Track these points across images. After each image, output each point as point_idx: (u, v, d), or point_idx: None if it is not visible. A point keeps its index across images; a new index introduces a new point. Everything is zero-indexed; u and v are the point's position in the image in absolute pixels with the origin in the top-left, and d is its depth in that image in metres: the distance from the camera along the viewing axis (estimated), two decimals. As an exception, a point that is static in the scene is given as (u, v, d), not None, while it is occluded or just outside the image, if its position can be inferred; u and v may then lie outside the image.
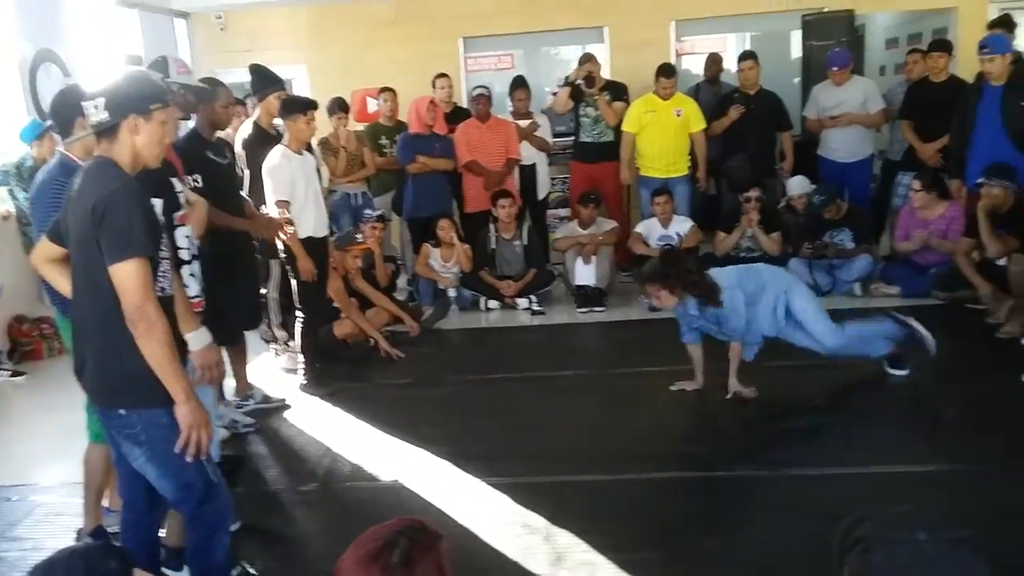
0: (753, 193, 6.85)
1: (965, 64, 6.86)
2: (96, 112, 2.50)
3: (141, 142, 2.53)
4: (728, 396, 4.58)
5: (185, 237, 3.25)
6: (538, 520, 3.50)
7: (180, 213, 3.23)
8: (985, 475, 3.67)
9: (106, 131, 2.51)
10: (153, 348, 2.44)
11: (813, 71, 8.03)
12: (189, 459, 2.53)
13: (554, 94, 7.80)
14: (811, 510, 3.45)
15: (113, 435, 2.63)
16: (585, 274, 6.86)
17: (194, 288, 3.29)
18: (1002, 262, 5.51)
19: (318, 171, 5.68)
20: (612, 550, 3.22)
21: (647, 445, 4.21)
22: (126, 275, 2.39)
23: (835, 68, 7.16)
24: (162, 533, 3.03)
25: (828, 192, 6.69)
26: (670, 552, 3.25)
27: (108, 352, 2.51)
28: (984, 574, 1.34)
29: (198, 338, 2.92)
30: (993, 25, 6.27)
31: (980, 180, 5.58)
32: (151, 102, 2.54)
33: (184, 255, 3.23)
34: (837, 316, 6.10)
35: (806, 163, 7.44)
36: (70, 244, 2.55)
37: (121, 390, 2.53)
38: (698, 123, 7.22)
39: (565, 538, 3.35)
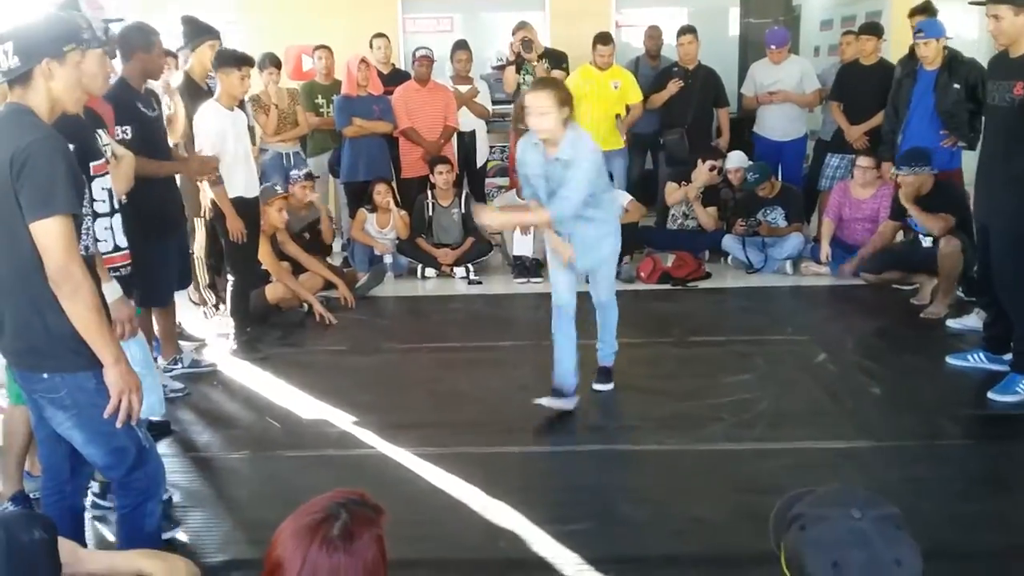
0: (717, 162, 6.95)
1: (899, 48, 7.00)
2: (6, 58, 2.34)
3: (58, 88, 2.38)
4: None
5: (103, 189, 3.10)
6: (473, 491, 3.49)
7: (97, 163, 3.07)
8: (905, 452, 3.79)
9: (19, 78, 2.36)
10: (79, 310, 2.33)
11: (750, 49, 8.11)
12: (119, 425, 2.44)
13: (500, 69, 7.72)
14: (738, 484, 3.54)
15: (35, 399, 2.52)
16: (523, 244, 6.85)
17: (112, 243, 3.19)
18: (927, 243, 5.68)
19: (251, 130, 5.52)
20: (546, 522, 3.24)
21: (579, 417, 4.24)
22: (49, 233, 2.27)
23: (773, 46, 7.24)
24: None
25: (763, 170, 6.81)
26: (602, 523, 3.28)
27: (30, 313, 2.39)
28: (913, 550, 1.37)
29: (108, 292, 2.81)
30: (914, 13, 6.38)
31: (893, 171, 5.78)
32: (65, 43, 2.38)
33: (101, 207, 3.09)
34: (769, 293, 6.35)
35: (742, 140, 7.55)
36: None
37: (44, 353, 2.41)
38: (635, 95, 7.23)
39: (500, 509, 3.35)
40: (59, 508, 2.69)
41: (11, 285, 2.41)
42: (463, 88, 7.41)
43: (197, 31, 5.25)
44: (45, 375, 2.42)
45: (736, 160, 7.16)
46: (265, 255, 5.76)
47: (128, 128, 4.07)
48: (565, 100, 3.82)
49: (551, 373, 4.23)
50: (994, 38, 4.26)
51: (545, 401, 4.19)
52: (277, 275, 5.88)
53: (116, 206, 3.22)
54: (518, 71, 7.31)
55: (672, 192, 7.12)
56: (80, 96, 2.51)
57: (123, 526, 2.68)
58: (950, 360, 4.71)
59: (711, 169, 6.95)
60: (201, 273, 5.71)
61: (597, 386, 4.50)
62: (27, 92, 2.37)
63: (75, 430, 2.47)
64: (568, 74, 7.30)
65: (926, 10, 6.30)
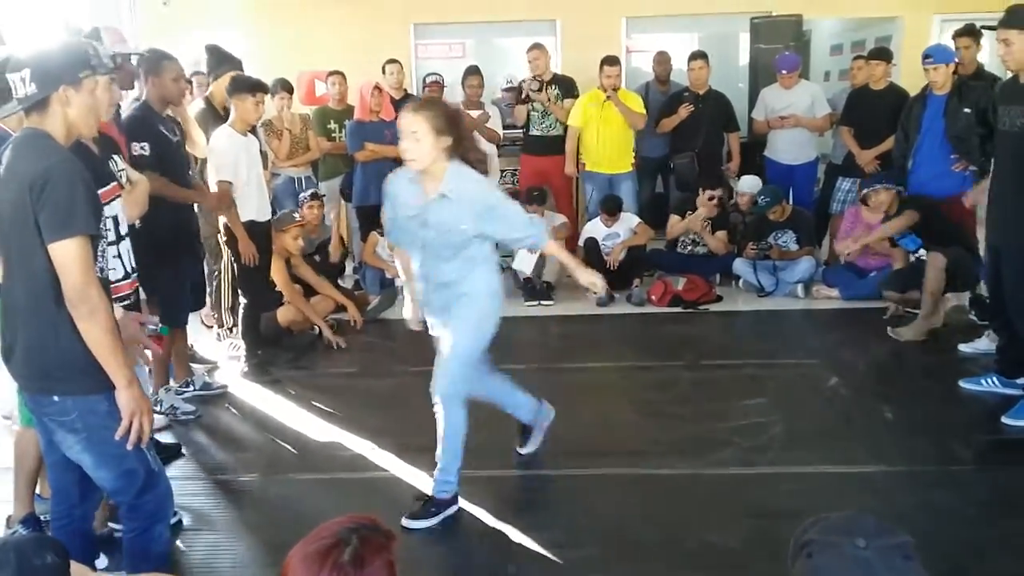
0: (716, 192, 6.95)
1: (909, 73, 7.01)
2: (23, 85, 2.38)
3: (74, 113, 2.41)
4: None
5: (107, 217, 3.04)
6: (482, 515, 3.49)
7: (106, 188, 3.06)
8: (918, 477, 3.76)
9: (36, 104, 2.40)
10: (96, 332, 2.34)
11: (760, 74, 8.14)
12: (130, 447, 2.45)
13: (509, 91, 7.81)
14: (751, 509, 3.51)
15: (44, 422, 2.53)
16: (525, 261, 6.79)
17: (120, 270, 3.17)
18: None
19: (264, 155, 5.56)
20: (554, 546, 3.23)
21: (589, 441, 4.23)
22: (68, 254, 2.29)
23: (784, 71, 7.27)
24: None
25: (773, 193, 6.81)
26: (611, 548, 3.26)
27: (42, 335, 2.41)
28: (918, 580, 1.35)
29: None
30: (960, 34, 6.39)
31: (864, 192, 6.04)
32: (80, 70, 2.42)
33: (108, 235, 3.07)
34: (780, 316, 6.32)
35: (752, 165, 7.55)
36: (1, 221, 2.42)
37: (55, 376, 2.42)
38: (639, 109, 7.26)
39: (508, 533, 3.34)
40: (68, 532, 2.69)
41: (25, 308, 2.43)
42: (474, 113, 7.44)
43: (220, 60, 5.32)
44: (56, 398, 2.43)
45: (749, 185, 7.16)
46: (279, 277, 5.79)
47: (146, 144, 4.16)
48: (444, 129, 3.26)
49: (547, 402, 4.13)
50: (1004, 63, 4.27)
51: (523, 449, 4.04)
52: (290, 297, 5.90)
53: (123, 232, 3.20)
54: (527, 101, 7.37)
55: (675, 224, 7.12)
56: (94, 122, 2.54)
57: (131, 549, 2.68)
58: (963, 384, 4.68)
59: (710, 199, 6.94)
60: (226, 293, 5.72)
61: (406, 521, 3.39)
62: (44, 118, 2.41)
63: (85, 453, 2.48)
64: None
65: (971, 32, 6.32)
